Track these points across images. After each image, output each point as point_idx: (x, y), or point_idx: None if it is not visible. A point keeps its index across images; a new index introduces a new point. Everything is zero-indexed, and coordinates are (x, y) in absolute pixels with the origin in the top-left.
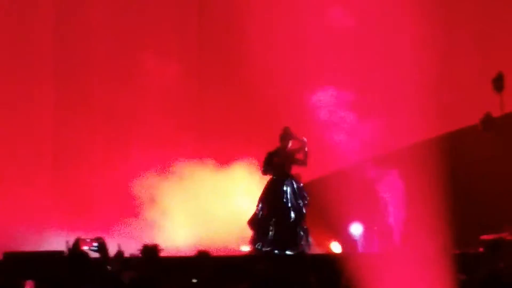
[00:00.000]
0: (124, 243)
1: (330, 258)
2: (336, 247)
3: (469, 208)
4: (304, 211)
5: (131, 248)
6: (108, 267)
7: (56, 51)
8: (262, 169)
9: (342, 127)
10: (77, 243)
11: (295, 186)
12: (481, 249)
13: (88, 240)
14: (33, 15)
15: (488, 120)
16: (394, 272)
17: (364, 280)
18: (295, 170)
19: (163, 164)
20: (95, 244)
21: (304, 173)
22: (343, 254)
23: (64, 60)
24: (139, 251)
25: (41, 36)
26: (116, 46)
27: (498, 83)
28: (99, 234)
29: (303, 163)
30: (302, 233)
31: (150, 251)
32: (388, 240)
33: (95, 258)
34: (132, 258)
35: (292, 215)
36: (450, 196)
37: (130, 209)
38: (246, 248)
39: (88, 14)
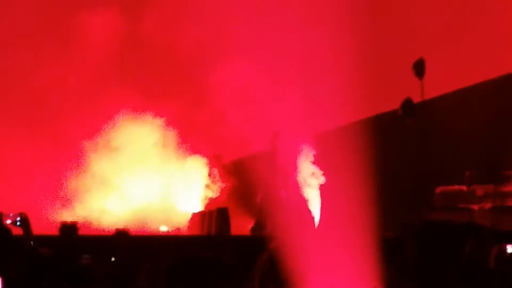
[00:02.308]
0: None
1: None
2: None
3: (391, 192)
4: None
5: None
6: (31, 242)
7: None
8: None
9: (263, 109)
10: (0, 218)
11: None
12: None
13: (11, 215)
14: None
15: (408, 106)
16: (319, 255)
17: (287, 263)
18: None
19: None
20: (18, 219)
21: (226, 153)
22: (266, 235)
23: None
24: (57, 229)
25: None
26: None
27: (419, 68)
28: (21, 210)
29: None
30: None
31: (68, 229)
32: (309, 223)
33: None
34: (50, 235)
35: None
36: (372, 181)
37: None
38: (164, 228)
39: None
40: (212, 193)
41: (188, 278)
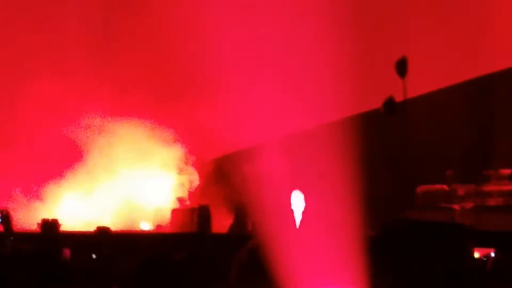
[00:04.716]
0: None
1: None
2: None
3: (373, 191)
4: None
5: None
6: (11, 238)
7: None
8: None
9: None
10: None
11: None
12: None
13: None
14: None
15: (390, 104)
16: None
17: (267, 260)
18: None
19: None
20: None
21: (210, 150)
22: (246, 233)
23: None
24: (38, 226)
25: None
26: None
27: (402, 67)
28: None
29: None
30: None
31: (49, 226)
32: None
33: None
34: (31, 232)
35: None
36: (354, 179)
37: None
38: (146, 226)
39: None
40: (190, 192)
41: (159, 278)
